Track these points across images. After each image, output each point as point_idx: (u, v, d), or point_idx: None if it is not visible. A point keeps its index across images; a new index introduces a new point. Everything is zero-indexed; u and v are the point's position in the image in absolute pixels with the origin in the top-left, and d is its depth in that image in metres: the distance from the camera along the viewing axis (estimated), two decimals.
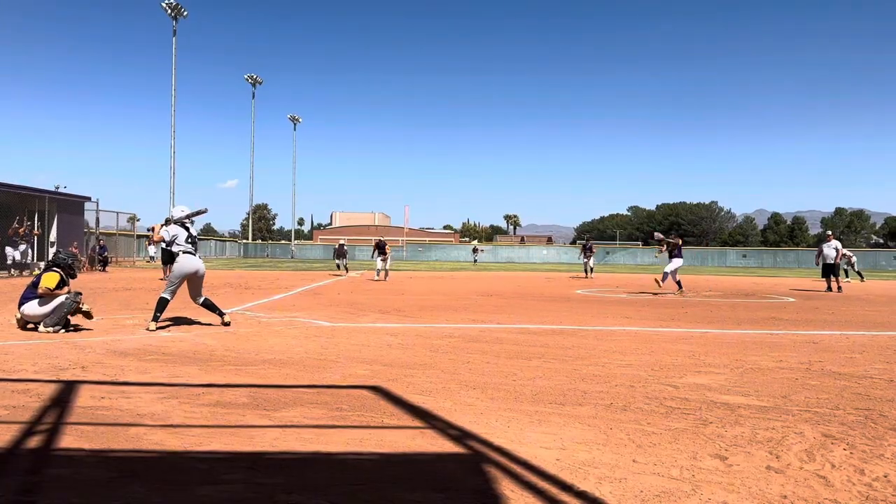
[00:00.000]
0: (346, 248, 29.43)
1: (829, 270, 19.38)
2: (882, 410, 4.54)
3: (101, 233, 30.44)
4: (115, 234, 35.14)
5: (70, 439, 3.63)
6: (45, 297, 8.09)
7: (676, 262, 16.82)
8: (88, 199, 28.23)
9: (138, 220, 41.70)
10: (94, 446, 3.52)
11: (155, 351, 6.57)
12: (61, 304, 8.01)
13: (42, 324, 7.90)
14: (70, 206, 26.72)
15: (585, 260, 28.05)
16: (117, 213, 33.81)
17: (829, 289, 19.16)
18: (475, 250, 62.11)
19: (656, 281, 16.94)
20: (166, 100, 51.97)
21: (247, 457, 3.40)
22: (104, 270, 26.66)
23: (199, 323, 8.99)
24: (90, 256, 27.14)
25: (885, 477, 3.20)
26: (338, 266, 29.16)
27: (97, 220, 29.76)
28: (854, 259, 27.51)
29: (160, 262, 22.56)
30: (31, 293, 8.18)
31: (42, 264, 23.16)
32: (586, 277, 27.07)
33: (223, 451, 3.47)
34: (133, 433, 3.77)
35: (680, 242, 17.42)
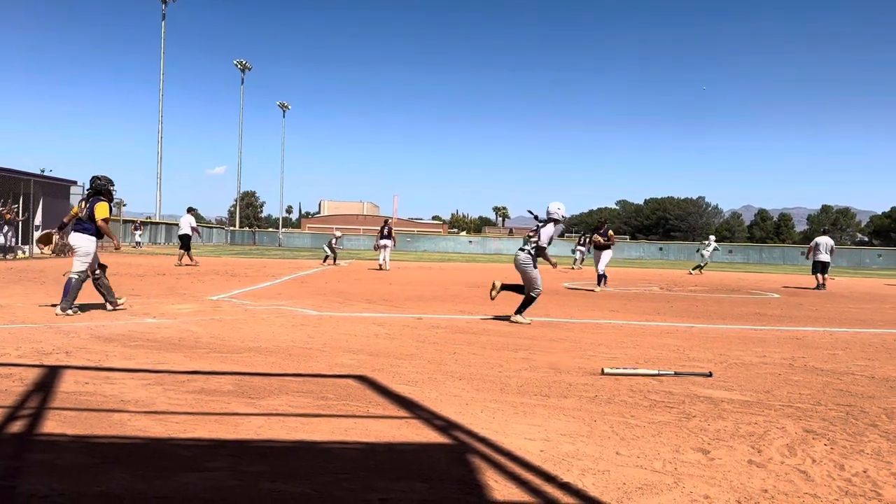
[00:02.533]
0: (341, 238, 28.15)
1: (823, 268, 19.18)
2: (863, 407, 4.60)
3: None
4: None
5: (53, 424, 3.61)
6: (94, 236, 8.29)
7: (608, 256, 16.36)
8: (74, 183, 27.95)
9: (124, 206, 41.43)
10: (77, 432, 3.50)
11: (140, 337, 6.54)
12: (74, 285, 8.08)
13: (59, 306, 7.98)
14: (55, 190, 26.45)
15: (583, 252, 28.61)
16: None
17: (822, 286, 18.98)
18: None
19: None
20: (154, 84, 51.50)
21: (231, 444, 3.39)
22: None
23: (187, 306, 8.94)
24: None
25: (865, 472, 3.24)
26: (325, 258, 26.22)
27: None
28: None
29: (174, 249, 22.30)
30: (87, 224, 8.26)
31: (26, 248, 22.96)
32: (573, 269, 27.30)
33: (207, 439, 3.46)
34: (116, 419, 3.75)
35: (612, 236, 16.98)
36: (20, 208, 22.96)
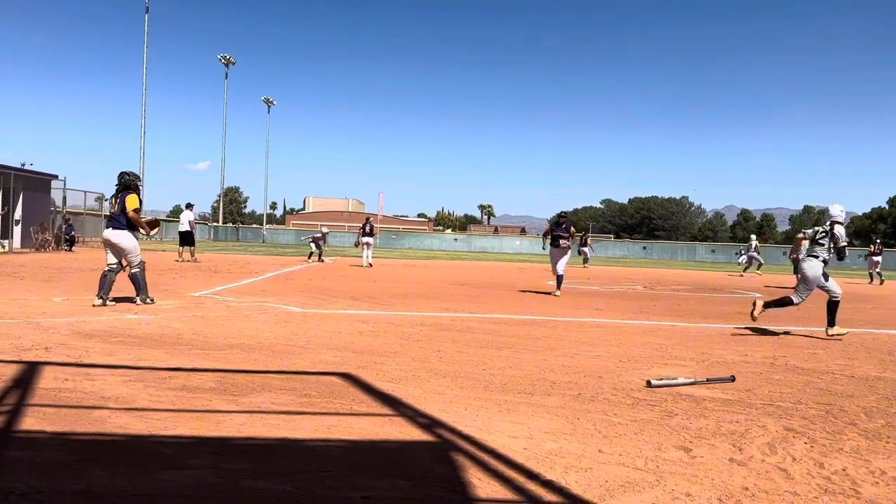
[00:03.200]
0: (327, 235, 26.12)
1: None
2: (842, 405, 4.64)
3: (68, 212, 29.85)
4: (82, 214, 34.44)
5: (31, 421, 3.56)
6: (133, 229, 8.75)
7: (568, 256, 13.85)
8: (55, 177, 27.63)
9: (106, 200, 40.91)
10: (56, 429, 3.46)
11: (121, 333, 6.48)
12: (140, 277, 8.74)
13: (139, 298, 8.73)
14: (36, 184, 26.13)
15: (584, 251, 31.01)
16: (85, 192, 33.16)
17: None
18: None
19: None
20: (137, 78, 50.95)
21: (213, 442, 3.36)
22: (71, 250, 26.18)
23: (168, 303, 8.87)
24: (56, 236, 26.63)
25: (844, 470, 3.28)
26: (310, 254, 25.32)
27: (64, 198, 29.17)
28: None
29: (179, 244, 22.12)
30: (120, 220, 8.64)
31: (6, 243, 22.67)
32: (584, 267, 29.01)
33: (189, 436, 3.44)
34: (97, 416, 3.71)
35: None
36: None
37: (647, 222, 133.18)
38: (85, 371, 4.80)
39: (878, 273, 26.22)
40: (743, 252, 28.86)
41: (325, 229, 26.26)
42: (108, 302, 8.56)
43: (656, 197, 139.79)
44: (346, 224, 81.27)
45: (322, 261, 24.76)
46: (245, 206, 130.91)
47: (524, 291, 14.55)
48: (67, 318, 7.30)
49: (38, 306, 8.24)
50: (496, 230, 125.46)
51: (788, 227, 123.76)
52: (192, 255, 21.48)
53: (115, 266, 8.71)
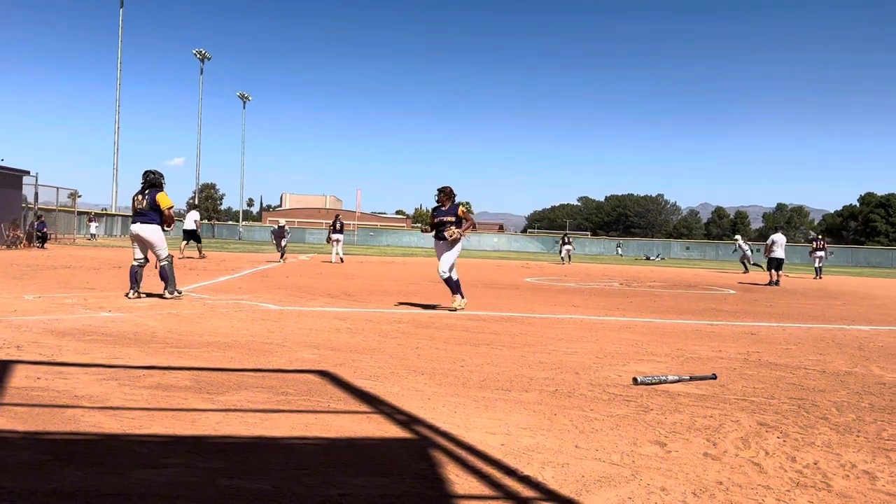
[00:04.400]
0: (285, 229, 22.82)
1: (778, 264, 19.49)
2: (814, 400, 4.72)
3: (40, 208, 29.37)
4: (54, 210, 33.95)
5: (3, 421, 3.50)
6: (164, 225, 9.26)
7: (457, 252, 9.74)
8: (27, 172, 27.17)
9: (79, 196, 40.37)
10: (28, 428, 3.40)
11: (94, 331, 6.39)
12: (168, 270, 9.19)
13: (167, 291, 9.13)
14: (7, 180, 25.67)
15: (567, 249, 33.46)
16: (57, 188, 32.72)
17: (775, 282, 19.39)
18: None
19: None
20: (111, 72, 50.20)
21: (188, 440, 3.33)
22: (43, 247, 25.76)
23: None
24: (28, 233, 26.19)
25: (815, 464, 3.33)
26: (282, 255, 22.70)
27: (36, 195, 28.70)
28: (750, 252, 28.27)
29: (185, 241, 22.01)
30: (149, 215, 9.07)
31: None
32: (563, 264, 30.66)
33: (164, 435, 3.40)
34: (70, 415, 3.66)
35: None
36: None
37: (623, 220, 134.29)
38: (58, 370, 4.73)
39: (818, 267, 26.95)
40: (743, 249, 29.07)
41: (282, 222, 23.29)
42: (141, 295, 9.14)
43: (632, 195, 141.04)
44: (324, 221, 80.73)
45: (283, 260, 22.11)
46: (221, 203, 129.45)
47: (502, 288, 14.59)
48: (40, 317, 7.19)
49: (9, 304, 8.10)
50: (474, 227, 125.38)
51: (762, 225, 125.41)
52: (200, 252, 22.27)
53: (142, 260, 9.22)
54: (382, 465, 3.08)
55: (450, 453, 3.28)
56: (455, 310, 9.21)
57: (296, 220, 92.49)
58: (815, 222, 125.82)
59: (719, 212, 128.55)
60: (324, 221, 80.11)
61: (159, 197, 9.07)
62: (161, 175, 9.35)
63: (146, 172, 9.36)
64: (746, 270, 27.91)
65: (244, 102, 79.47)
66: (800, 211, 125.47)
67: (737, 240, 29.11)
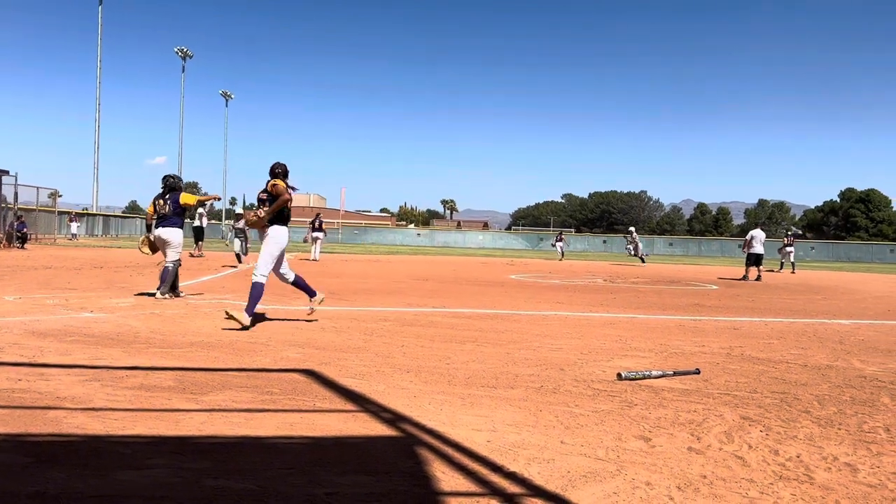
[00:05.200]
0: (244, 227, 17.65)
1: (757, 260, 19.70)
2: (796, 394, 4.77)
3: (19, 208, 28.98)
4: (34, 210, 33.53)
5: None
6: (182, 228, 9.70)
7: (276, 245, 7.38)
8: (6, 172, 26.78)
9: (60, 196, 39.97)
10: (9, 430, 3.36)
11: (76, 332, 6.32)
12: (171, 273, 9.40)
13: (159, 290, 9.33)
14: None
15: (561, 246, 35.75)
16: (38, 188, 32.30)
17: (747, 277, 19.60)
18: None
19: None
20: (92, 70, 49.56)
21: (172, 441, 3.31)
22: (23, 248, 25.44)
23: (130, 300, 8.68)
24: (8, 233, 25.85)
25: (798, 457, 3.37)
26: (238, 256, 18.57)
27: (15, 194, 28.31)
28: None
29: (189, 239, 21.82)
30: (174, 219, 9.56)
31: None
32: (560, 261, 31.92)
33: (147, 436, 3.37)
34: (52, 417, 3.62)
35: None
36: None
37: (606, 216, 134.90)
38: (39, 371, 4.68)
39: (791, 262, 27.53)
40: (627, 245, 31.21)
41: (240, 224, 18.29)
42: (179, 294, 9.59)
43: (616, 191, 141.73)
44: (308, 219, 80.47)
45: (239, 263, 18.17)
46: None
47: (488, 285, 14.61)
48: (21, 318, 7.10)
49: None
50: (459, 225, 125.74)
51: (743, 221, 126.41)
52: (200, 249, 22.30)
53: (176, 261, 9.58)
54: (369, 464, 3.08)
55: (436, 451, 3.28)
56: (313, 310, 7.70)
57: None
58: (797, 217, 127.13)
59: (702, 208, 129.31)
60: (308, 220, 79.85)
61: (182, 198, 9.61)
62: (180, 178, 9.99)
63: (166, 177, 9.84)
64: (643, 261, 29.57)
65: (227, 100, 78.94)
66: (781, 206, 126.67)
67: (631, 231, 30.10)
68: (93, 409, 3.81)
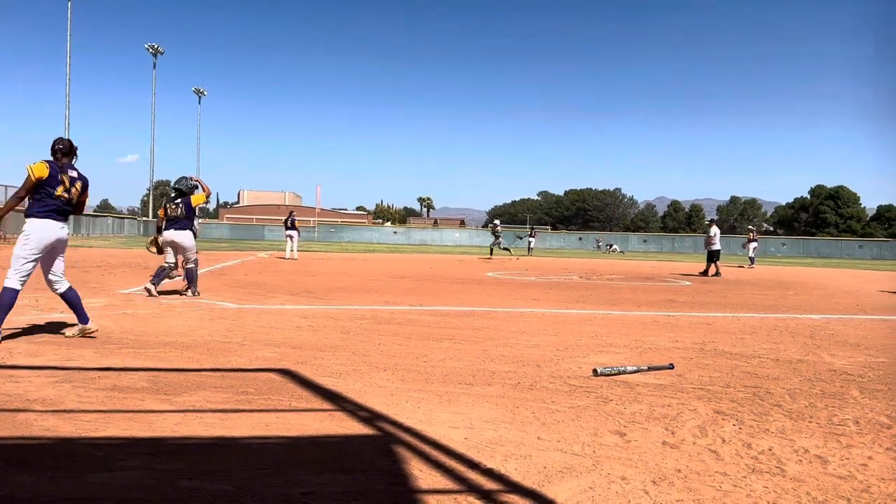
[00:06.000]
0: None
1: (717, 255, 20.04)
2: (768, 388, 4.84)
3: None
4: None
5: None
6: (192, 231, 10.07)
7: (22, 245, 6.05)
8: None
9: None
10: None
11: (46, 333, 6.21)
12: (194, 272, 10.01)
13: (190, 290, 9.87)
14: None
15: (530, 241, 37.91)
16: (6, 186, 31.74)
17: (708, 272, 19.87)
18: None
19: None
20: (61, 66, 48.66)
21: (146, 442, 3.27)
22: None
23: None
24: None
25: (770, 450, 3.42)
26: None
27: None
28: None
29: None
30: (185, 222, 9.91)
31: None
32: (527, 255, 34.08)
33: (120, 437, 3.33)
34: (22, 419, 3.56)
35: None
36: None
37: (582, 213, 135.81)
38: (8, 373, 4.59)
39: (751, 258, 28.39)
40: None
41: (197, 224, 18.75)
42: (154, 294, 9.53)
43: (591, 189, 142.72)
44: (283, 218, 79.85)
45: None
46: None
47: (465, 283, 14.63)
48: None
49: None
50: (436, 223, 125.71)
51: (716, 217, 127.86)
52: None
53: (172, 264, 10.07)
54: (345, 463, 3.06)
55: (413, 448, 3.28)
56: (73, 335, 6.12)
57: (254, 216, 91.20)
58: (768, 214, 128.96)
59: (675, 205, 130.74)
60: (283, 218, 79.19)
61: (193, 200, 10.05)
62: (190, 179, 10.36)
63: (178, 180, 10.24)
64: (511, 253, 31.89)
65: (199, 97, 78.03)
66: (753, 203, 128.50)
67: (496, 224, 32.18)
68: (64, 410, 3.75)
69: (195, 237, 10.42)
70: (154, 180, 70.42)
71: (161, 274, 9.83)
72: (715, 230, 20.07)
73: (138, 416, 3.71)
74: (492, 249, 30.99)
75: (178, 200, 10.02)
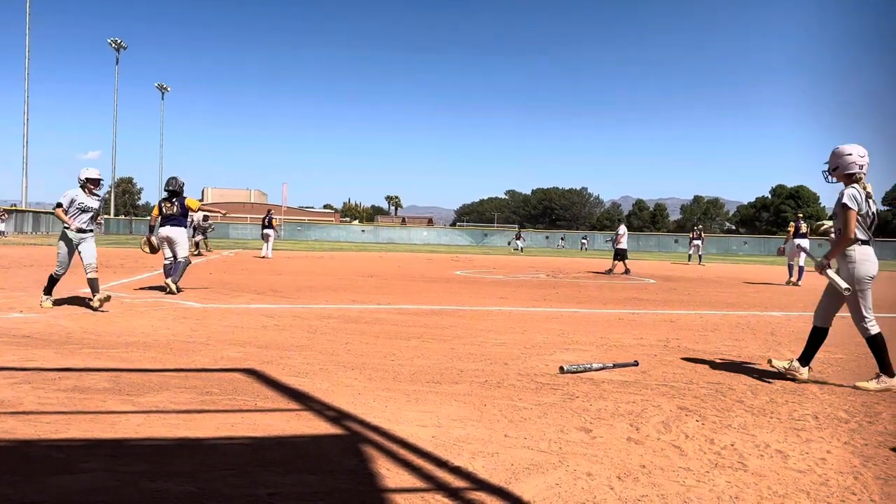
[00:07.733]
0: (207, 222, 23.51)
1: (623, 254, 20.22)
2: (730, 384, 4.94)
3: None
4: None
5: None
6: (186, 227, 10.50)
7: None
8: None
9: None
10: None
11: (5, 333, 6.06)
12: (185, 266, 10.36)
13: (170, 280, 10.03)
14: None
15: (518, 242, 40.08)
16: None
17: (613, 270, 20.07)
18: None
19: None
20: (19, 61, 47.41)
21: (108, 444, 3.21)
22: None
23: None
24: None
25: (732, 445, 3.49)
26: (196, 244, 22.70)
27: None
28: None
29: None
30: (178, 220, 10.35)
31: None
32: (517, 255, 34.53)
33: (82, 439, 3.27)
34: None
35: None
36: None
37: (549, 212, 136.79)
38: None
39: (698, 255, 29.63)
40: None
41: (198, 216, 21.04)
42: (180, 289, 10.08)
43: (557, 188, 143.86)
44: (249, 216, 78.93)
45: (199, 253, 21.02)
46: (139, 198, 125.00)
47: (433, 281, 14.63)
48: None
49: None
50: (404, 221, 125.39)
51: (679, 216, 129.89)
52: (198, 246, 22.55)
53: (171, 259, 10.40)
54: (312, 463, 3.05)
55: (381, 448, 3.28)
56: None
57: (219, 214, 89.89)
58: (730, 213, 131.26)
59: (640, 204, 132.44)
60: (248, 216, 78.30)
61: (188, 202, 10.53)
62: (181, 183, 10.68)
63: (170, 180, 10.64)
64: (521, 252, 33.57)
65: (163, 94, 76.78)
66: (716, 203, 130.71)
67: (521, 227, 34.62)
68: (23, 412, 3.66)
69: (205, 236, 10.78)
70: (116, 178, 69.09)
71: (173, 269, 10.26)
72: (623, 229, 20.27)
73: (100, 417, 3.64)
74: (521, 249, 33.09)
75: (174, 199, 10.42)
